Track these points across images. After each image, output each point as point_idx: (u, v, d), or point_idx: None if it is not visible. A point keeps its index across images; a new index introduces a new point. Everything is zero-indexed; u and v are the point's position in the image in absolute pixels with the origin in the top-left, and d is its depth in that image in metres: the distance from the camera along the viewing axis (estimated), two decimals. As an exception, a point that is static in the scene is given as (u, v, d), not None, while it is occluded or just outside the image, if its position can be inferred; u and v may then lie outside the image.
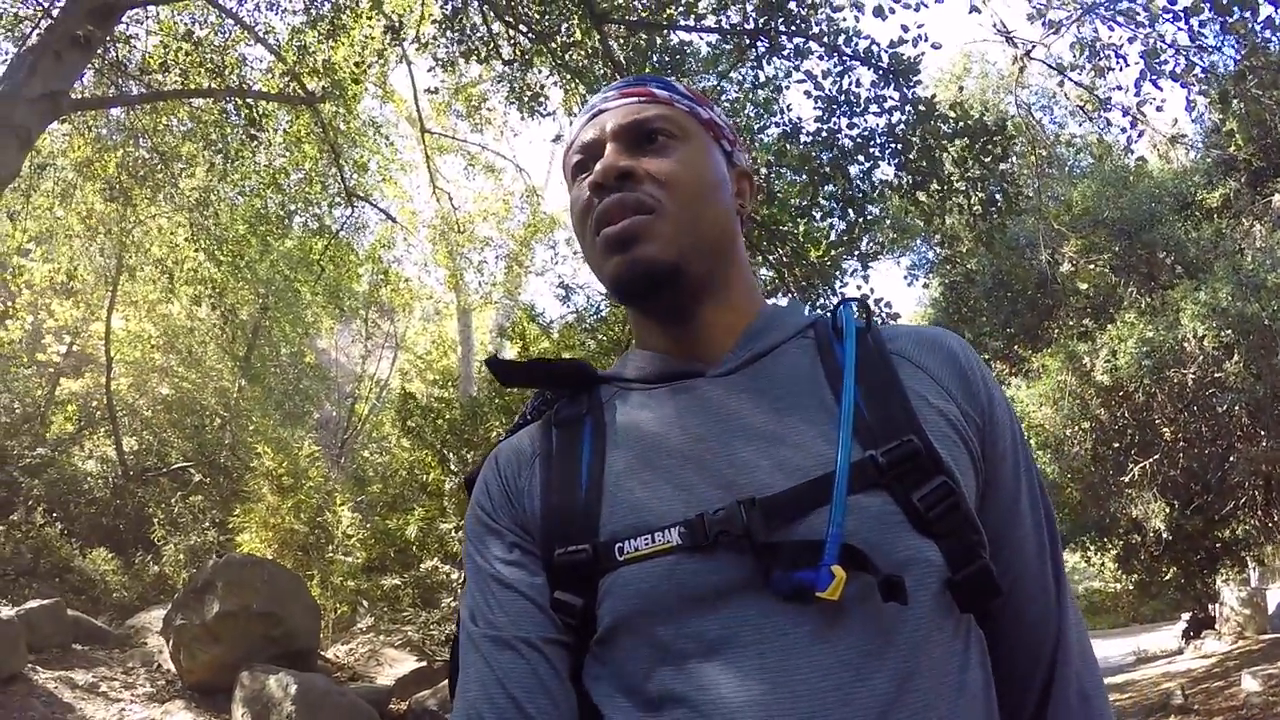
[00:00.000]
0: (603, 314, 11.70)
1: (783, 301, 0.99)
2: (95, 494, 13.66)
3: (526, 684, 0.81)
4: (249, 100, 9.31)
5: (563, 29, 7.33)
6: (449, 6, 8.05)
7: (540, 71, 7.96)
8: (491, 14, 7.61)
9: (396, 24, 8.51)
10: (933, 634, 0.77)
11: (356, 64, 9.00)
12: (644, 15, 7.08)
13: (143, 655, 8.53)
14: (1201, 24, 5.47)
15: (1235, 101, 5.59)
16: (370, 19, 8.68)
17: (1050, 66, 7.47)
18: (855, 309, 0.95)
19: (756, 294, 1.01)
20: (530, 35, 7.35)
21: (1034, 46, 7.25)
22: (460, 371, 18.67)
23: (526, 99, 7.97)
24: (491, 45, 7.81)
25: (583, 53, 7.47)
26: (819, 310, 0.97)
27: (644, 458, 0.86)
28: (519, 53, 7.62)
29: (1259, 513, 11.13)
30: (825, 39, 6.74)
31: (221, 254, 11.69)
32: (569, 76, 7.58)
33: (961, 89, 13.10)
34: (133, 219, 11.28)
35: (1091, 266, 12.89)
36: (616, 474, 0.86)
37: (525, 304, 13.23)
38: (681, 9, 6.97)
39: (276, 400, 16.48)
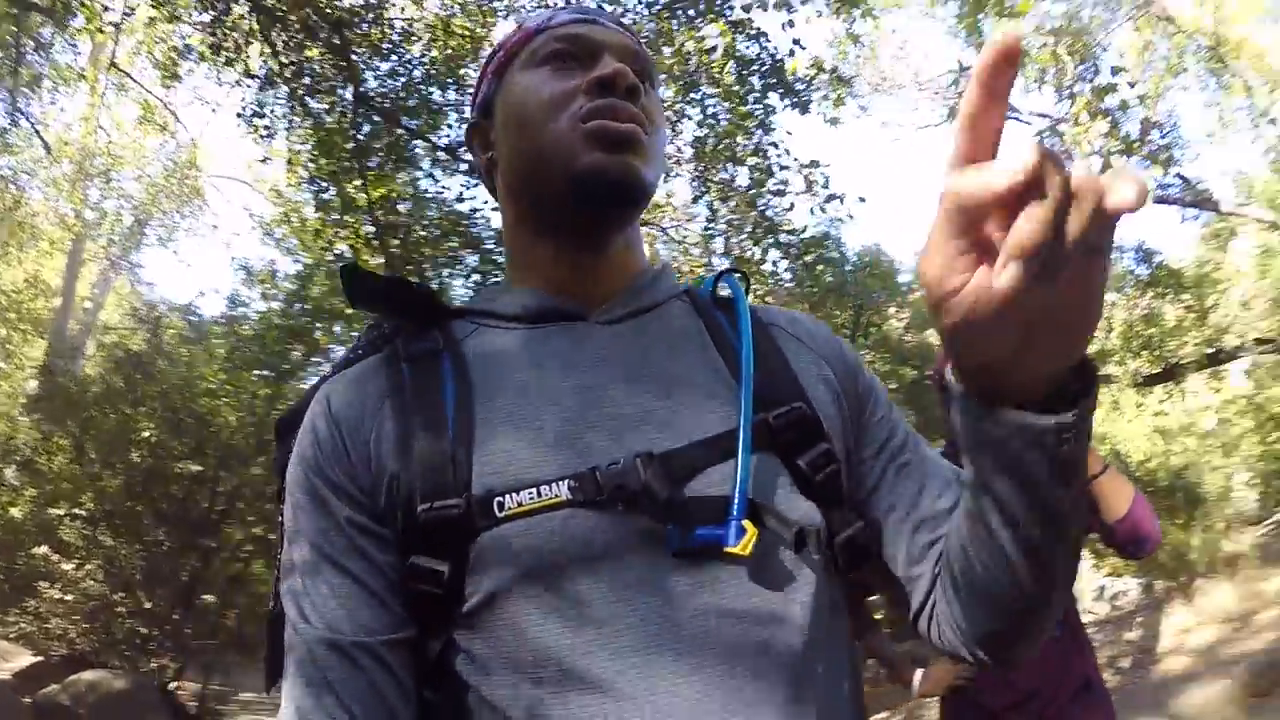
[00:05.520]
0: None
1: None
2: None
3: (365, 699, 0.73)
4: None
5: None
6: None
7: (277, 97, 8.09)
8: (257, 29, 7.65)
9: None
10: (823, 589, 0.77)
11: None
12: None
13: None
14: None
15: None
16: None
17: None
18: (739, 279, 0.94)
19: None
20: (282, 65, 7.55)
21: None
22: (54, 324, 16.89)
23: (254, 120, 8.04)
24: (244, 55, 7.82)
25: (326, 105, 7.83)
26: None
27: (522, 402, 0.78)
28: (269, 73, 7.72)
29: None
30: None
31: None
32: (304, 115, 7.92)
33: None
34: None
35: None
36: (490, 419, 0.77)
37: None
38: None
39: None
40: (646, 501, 0.72)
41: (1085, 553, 5.94)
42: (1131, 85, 11.57)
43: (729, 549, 0.70)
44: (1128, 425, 13.12)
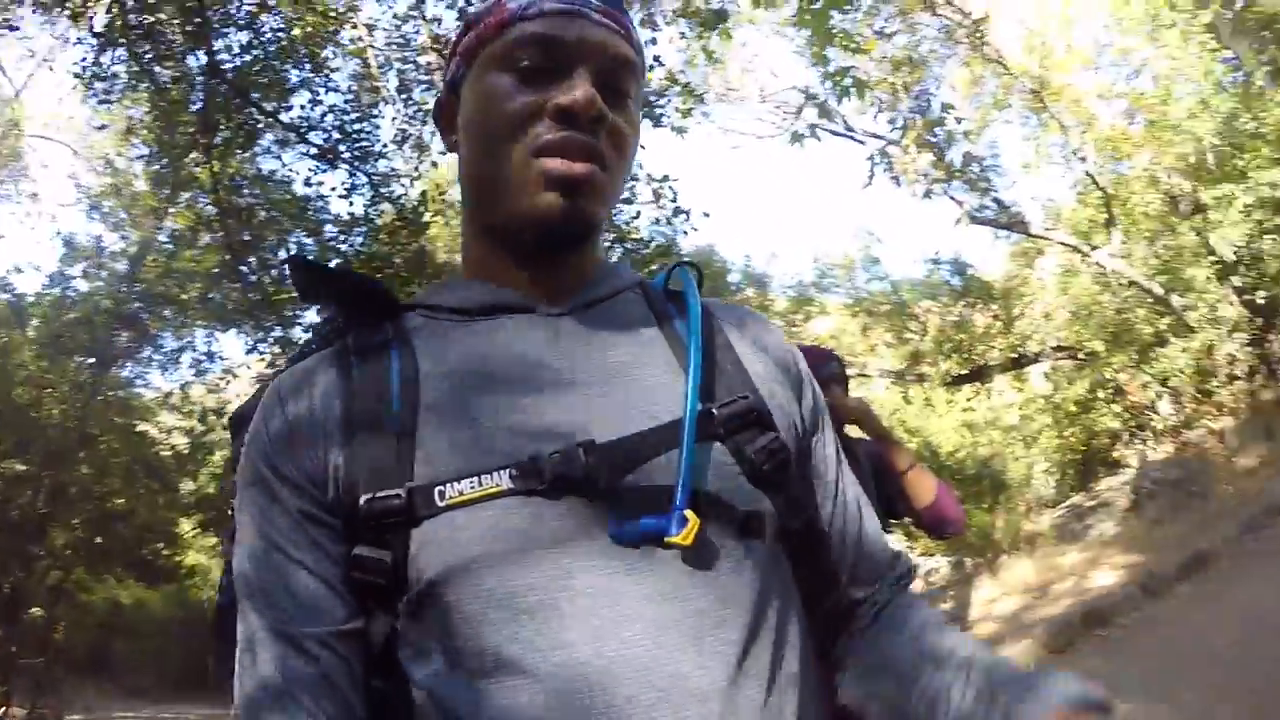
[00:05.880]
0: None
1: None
2: None
3: (319, 689, 0.73)
4: None
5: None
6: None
7: (120, 59, 7.66)
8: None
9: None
10: (773, 580, 0.77)
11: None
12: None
13: None
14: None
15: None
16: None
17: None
18: (692, 273, 0.94)
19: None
20: (129, 25, 7.14)
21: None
22: None
23: (94, 82, 7.56)
24: (89, 9, 7.31)
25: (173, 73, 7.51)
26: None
27: (465, 393, 0.78)
28: (111, 31, 7.29)
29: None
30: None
31: None
32: (148, 81, 7.55)
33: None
34: None
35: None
36: (434, 410, 0.76)
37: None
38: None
39: None
40: (588, 490, 0.72)
41: (900, 536, 6.47)
42: (959, 121, 12.69)
43: (671, 539, 0.70)
44: (939, 420, 14.37)
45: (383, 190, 8.73)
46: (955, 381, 13.59)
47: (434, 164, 9.78)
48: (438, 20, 7.97)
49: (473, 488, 0.71)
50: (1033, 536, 10.46)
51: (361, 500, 0.73)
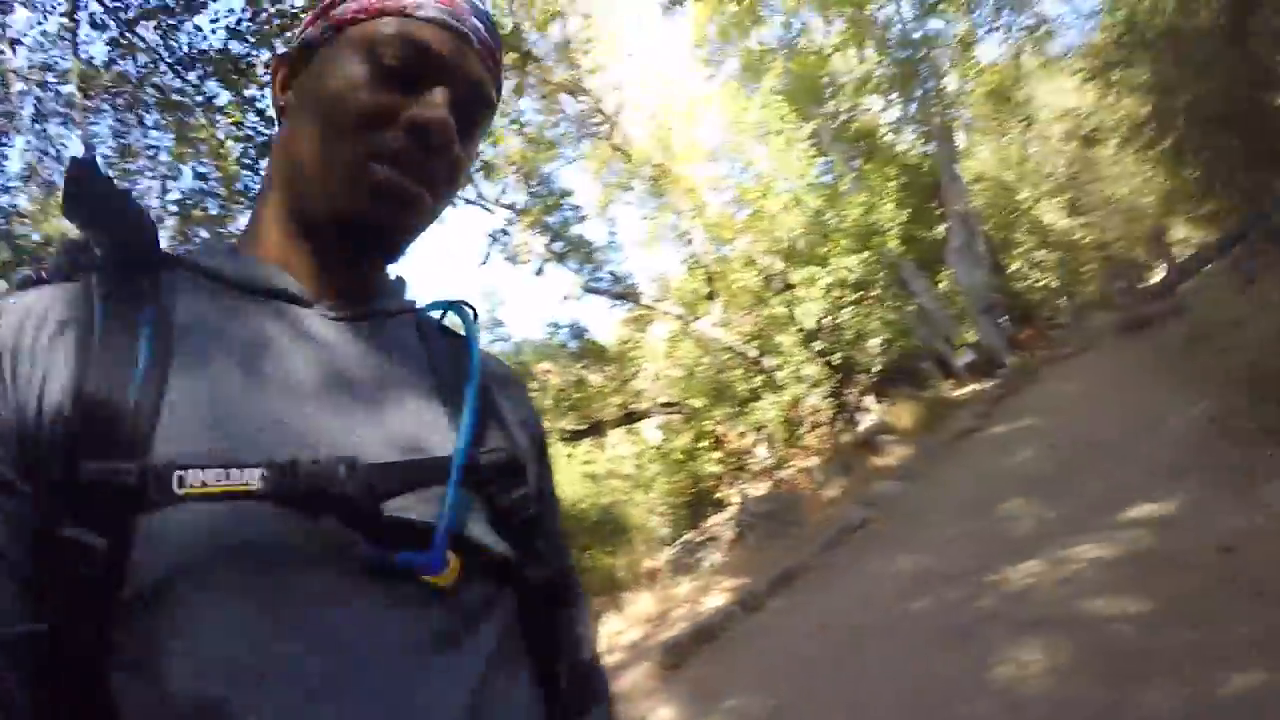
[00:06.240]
0: None
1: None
2: None
3: None
4: None
5: None
6: None
7: None
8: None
9: None
10: (510, 632, 0.76)
11: None
12: None
13: None
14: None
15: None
16: None
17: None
18: (471, 313, 0.92)
19: None
20: None
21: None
22: None
23: None
24: None
25: None
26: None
27: (225, 372, 0.68)
28: None
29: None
30: None
31: None
32: None
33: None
34: None
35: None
36: (186, 382, 0.66)
37: None
38: None
39: None
40: (345, 510, 0.65)
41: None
42: (575, 208, 14.04)
43: (432, 578, 0.67)
44: (561, 473, 15.26)
45: (2, 230, 7.65)
46: (574, 436, 14.56)
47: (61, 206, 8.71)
48: (90, 56, 7.21)
49: (218, 480, 0.62)
50: (652, 572, 11.34)
51: (82, 466, 0.60)
